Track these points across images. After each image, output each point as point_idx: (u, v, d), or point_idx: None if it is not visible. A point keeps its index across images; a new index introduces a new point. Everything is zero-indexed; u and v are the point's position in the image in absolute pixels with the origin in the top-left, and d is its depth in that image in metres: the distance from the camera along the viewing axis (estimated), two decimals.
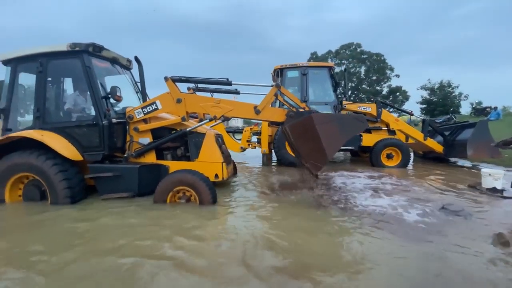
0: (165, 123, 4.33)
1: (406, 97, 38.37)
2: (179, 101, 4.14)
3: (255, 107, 4.11)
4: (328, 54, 41.94)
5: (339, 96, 7.60)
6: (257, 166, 7.73)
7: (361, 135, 7.51)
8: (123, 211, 3.53)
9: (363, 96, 42.08)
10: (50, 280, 2.03)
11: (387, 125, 7.63)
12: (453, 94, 30.58)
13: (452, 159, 8.29)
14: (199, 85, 4.40)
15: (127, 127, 4.36)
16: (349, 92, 43.18)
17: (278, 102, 5.61)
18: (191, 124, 4.59)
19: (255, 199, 4.13)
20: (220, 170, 4.38)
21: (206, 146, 4.41)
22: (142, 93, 4.68)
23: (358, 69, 41.19)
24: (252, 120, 5.79)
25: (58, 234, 2.91)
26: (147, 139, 4.40)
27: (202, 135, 4.43)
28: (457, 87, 30.55)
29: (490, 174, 4.55)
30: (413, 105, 41.34)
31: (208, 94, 4.48)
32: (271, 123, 6.85)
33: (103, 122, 4.00)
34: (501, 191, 4.39)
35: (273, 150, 7.57)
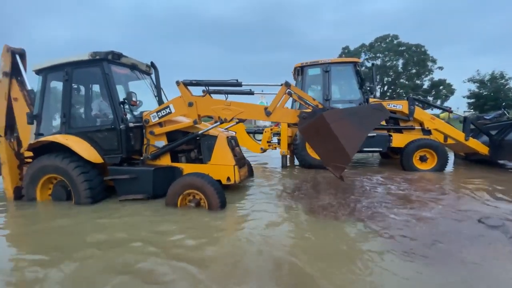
0: (178, 126, 4.39)
1: (451, 91, 34.86)
2: (190, 104, 4.17)
3: (266, 109, 3.98)
4: (361, 48, 39.85)
5: (366, 93, 7.09)
6: (276, 168, 7.56)
7: (390, 135, 6.94)
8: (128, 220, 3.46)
9: (401, 91, 39.30)
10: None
11: (421, 124, 6.95)
12: (506, 87, 26.95)
13: (501, 162, 7.29)
14: (215, 88, 4.38)
15: (144, 130, 4.50)
16: (381, 88, 40.74)
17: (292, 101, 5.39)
18: (205, 127, 4.61)
19: (266, 206, 3.96)
20: (232, 173, 4.33)
21: (218, 148, 4.39)
22: (158, 97, 4.80)
23: (395, 62, 38.51)
24: None
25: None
26: (162, 142, 4.51)
27: (214, 137, 4.42)
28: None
29: None
30: (459, 100, 37.56)
31: (223, 96, 4.46)
32: (290, 124, 6.63)
33: (121, 127, 4.18)
34: None
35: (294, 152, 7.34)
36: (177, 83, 4.20)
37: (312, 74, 7.44)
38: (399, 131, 7.12)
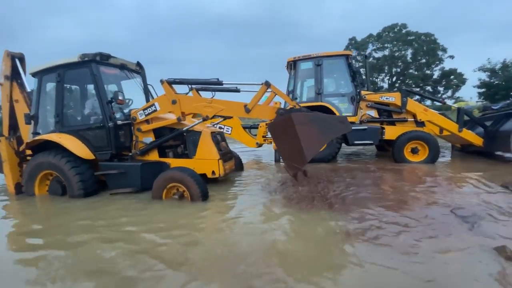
0: (164, 123, 4.59)
1: (463, 81, 33.71)
2: (174, 102, 4.34)
3: (245, 106, 4.11)
4: (368, 39, 38.91)
5: (358, 86, 7.08)
6: (269, 162, 7.70)
7: (383, 128, 6.95)
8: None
9: (410, 81, 38.33)
10: None
11: (414, 116, 6.91)
12: None
13: (499, 153, 7.17)
14: (205, 86, 4.52)
15: (132, 127, 4.73)
16: (389, 79, 39.84)
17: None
18: (191, 123, 4.78)
19: (249, 198, 4.12)
20: (217, 166, 4.50)
21: (203, 143, 4.57)
22: (146, 95, 5.00)
23: (403, 52, 37.48)
24: None
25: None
26: (150, 139, 4.72)
27: (199, 133, 4.59)
28: None
29: None
30: (470, 90, 36.16)
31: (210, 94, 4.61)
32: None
33: (109, 125, 4.41)
34: None
35: None
36: (161, 81, 4.37)
37: (304, 68, 7.47)
38: (392, 123, 7.11)
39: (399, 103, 6.94)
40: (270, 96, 4.44)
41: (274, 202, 3.86)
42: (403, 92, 6.99)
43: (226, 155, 4.90)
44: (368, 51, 39.85)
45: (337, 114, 6.97)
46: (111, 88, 5.05)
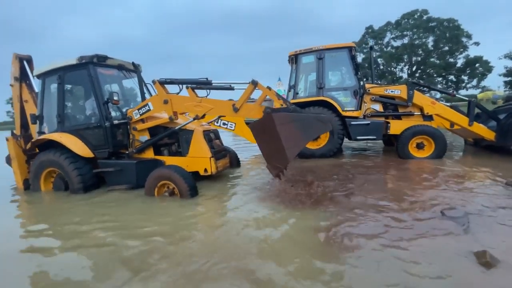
0: (157, 122, 4.70)
1: (489, 69, 31.57)
2: (165, 102, 4.43)
3: (233, 105, 4.11)
4: (386, 27, 37.32)
5: (361, 79, 6.85)
6: None
7: (388, 122, 6.70)
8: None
9: (431, 71, 36.46)
10: None
11: (421, 109, 6.60)
12: None
13: None
14: (200, 84, 4.55)
15: (128, 127, 4.88)
16: (409, 69, 38.12)
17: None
18: (184, 121, 4.86)
19: (240, 195, 4.14)
20: (209, 164, 4.57)
21: (195, 142, 4.64)
22: (141, 94, 5.13)
23: (424, 40, 35.59)
24: None
25: None
26: (145, 137, 4.86)
27: (191, 132, 4.67)
28: None
29: None
30: (496, 78, 33.88)
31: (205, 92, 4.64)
32: None
33: (106, 124, 4.58)
34: None
35: None
36: (153, 82, 4.46)
37: (306, 62, 7.30)
38: (398, 117, 6.83)
39: (405, 96, 6.64)
40: (262, 96, 4.40)
41: (264, 199, 3.87)
42: (409, 85, 6.67)
43: (220, 152, 4.95)
44: (386, 40, 38.20)
45: (339, 109, 6.81)
46: (110, 88, 5.22)
